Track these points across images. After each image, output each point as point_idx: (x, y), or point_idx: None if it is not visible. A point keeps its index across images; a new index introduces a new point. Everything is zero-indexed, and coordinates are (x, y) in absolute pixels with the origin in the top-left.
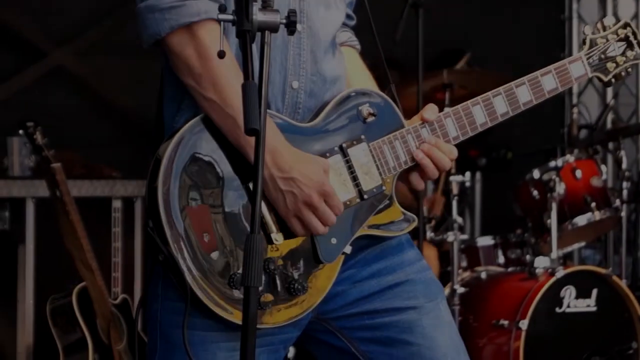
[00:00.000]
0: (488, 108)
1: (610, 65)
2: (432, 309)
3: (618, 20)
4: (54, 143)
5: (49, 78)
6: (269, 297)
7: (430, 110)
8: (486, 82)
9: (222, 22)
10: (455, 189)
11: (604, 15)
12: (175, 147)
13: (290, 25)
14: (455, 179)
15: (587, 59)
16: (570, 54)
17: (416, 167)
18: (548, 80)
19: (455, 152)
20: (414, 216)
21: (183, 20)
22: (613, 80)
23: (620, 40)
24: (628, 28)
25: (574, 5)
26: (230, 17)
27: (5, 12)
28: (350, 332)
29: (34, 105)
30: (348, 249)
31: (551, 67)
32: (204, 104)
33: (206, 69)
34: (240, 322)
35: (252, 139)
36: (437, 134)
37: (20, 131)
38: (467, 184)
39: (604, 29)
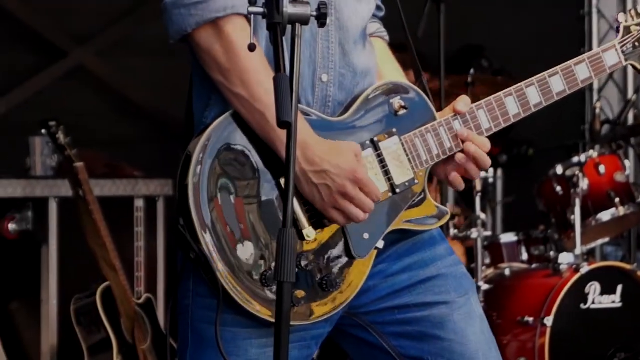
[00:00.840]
0: (521, 99)
1: None
2: (464, 303)
3: None
4: (75, 143)
5: (69, 77)
6: (301, 293)
7: (462, 102)
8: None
9: (252, 15)
10: (478, 186)
11: (624, 10)
12: (205, 144)
13: (321, 18)
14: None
15: (621, 47)
16: (590, 50)
17: (454, 167)
18: (582, 70)
19: (488, 145)
20: (447, 210)
21: (209, 16)
22: None
23: None
24: None
25: (594, 1)
26: (261, 9)
27: (26, 12)
28: (382, 326)
29: (55, 105)
30: (380, 244)
31: (585, 56)
32: (232, 99)
33: (234, 64)
34: (272, 319)
35: (283, 134)
36: (470, 126)
37: (43, 130)
38: (490, 180)
39: (638, 16)
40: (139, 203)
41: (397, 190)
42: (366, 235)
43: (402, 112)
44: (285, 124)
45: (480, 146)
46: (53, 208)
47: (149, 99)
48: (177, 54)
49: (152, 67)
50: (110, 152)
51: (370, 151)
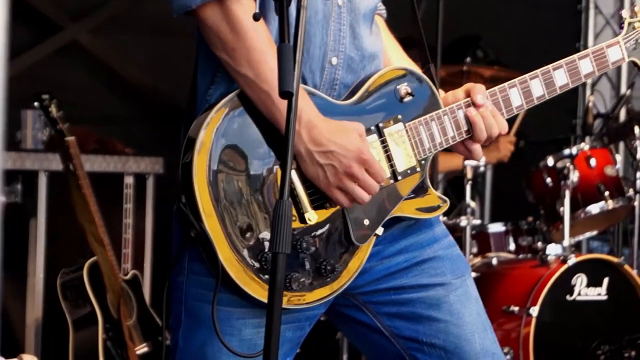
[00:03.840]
0: (525, 90)
1: None
2: (459, 285)
3: None
4: (67, 118)
5: (64, 53)
6: (299, 276)
7: (481, 94)
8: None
9: None
10: (469, 174)
11: (621, 7)
12: (210, 122)
13: None
14: (469, 163)
15: (625, 43)
16: (585, 45)
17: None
18: (585, 64)
19: (506, 128)
20: (447, 199)
21: None
22: None
23: None
24: None
25: None
26: None
27: None
28: (376, 306)
29: (49, 80)
30: (380, 231)
31: (589, 50)
32: (238, 79)
33: (240, 43)
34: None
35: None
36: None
37: (36, 103)
38: (481, 169)
39: None
40: (129, 180)
41: (399, 177)
42: (366, 222)
43: (407, 98)
44: (287, 94)
45: (499, 124)
46: (43, 181)
47: (143, 77)
48: (171, 33)
49: (147, 46)
50: (102, 128)
51: (374, 137)
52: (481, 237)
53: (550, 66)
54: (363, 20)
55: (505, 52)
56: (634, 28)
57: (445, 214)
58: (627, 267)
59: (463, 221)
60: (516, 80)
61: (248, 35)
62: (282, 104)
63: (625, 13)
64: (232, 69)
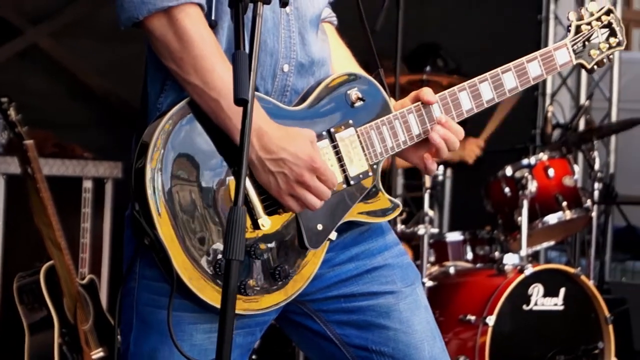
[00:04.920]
0: (474, 94)
1: (593, 52)
2: (409, 294)
3: (602, 6)
4: (26, 121)
5: (23, 56)
6: (253, 282)
7: (429, 93)
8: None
9: None
10: (428, 182)
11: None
12: (163, 130)
13: None
14: None
15: (572, 45)
16: None
17: (424, 149)
18: (534, 67)
19: (462, 132)
20: (399, 202)
21: (161, 4)
22: (595, 67)
23: (604, 27)
24: (611, 15)
25: (551, 6)
26: None
27: None
28: (327, 314)
29: (8, 83)
30: (333, 235)
31: (537, 53)
32: (187, 87)
33: (187, 52)
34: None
35: (238, 121)
36: (424, 120)
37: None
38: (440, 177)
39: (589, 15)
40: (87, 184)
41: (352, 182)
42: (320, 227)
43: (358, 103)
44: (242, 101)
45: (456, 134)
46: (0, 185)
47: (102, 82)
48: (131, 38)
49: (106, 51)
50: (61, 132)
51: (326, 142)
52: (439, 245)
53: (499, 69)
54: (310, 27)
55: (466, 61)
56: (580, 31)
57: (403, 222)
58: (583, 277)
59: (421, 229)
60: (465, 83)
61: (195, 45)
62: (232, 111)
63: (572, 15)
64: (181, 78)
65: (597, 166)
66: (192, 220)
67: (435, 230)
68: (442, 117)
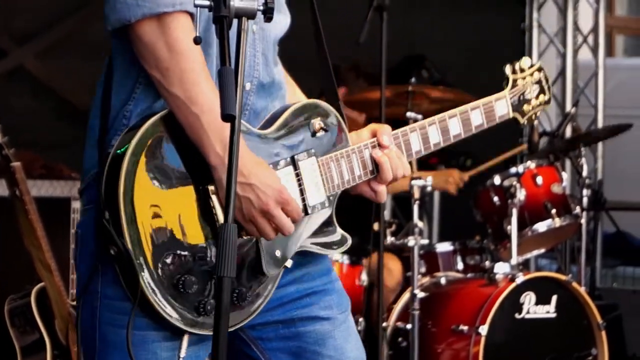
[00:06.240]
0: (424, 136)
1: (526, 107)
2: (344, 320)
3: (533, 63)
4: (13, 143)
5: (9, 77)
6: (212, 304)
7: (387, 136)
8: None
9: (198, 9)
10: (416, 194)
11: (564, 25)
12: (138, 141)
13: (268, 12)
14: (416, 182)
15: (510, 98)
16: None
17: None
18: (476, 116)
19: (409, 169)
20: (349, 236)
21: (157, 10)
22: (526, 122)
23: (536, 83)
24: (542, 72)
25: (535, 15)
26: (207, 2)
27: None
28: (264, 342)
29: None
30: (289, 263)
31: (480, 102)
32: (167, 98)
33: (174, 63)
34: (184, 326)
35: (214, 139)
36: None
37: None
38: (429, 189)
39: (522, 70)
40: (76, 205)
41: (309, 212)
42: (278, 253)
43: (320, 133)
44: (229, 117)
45: (402, 167)
46: None
47: (89, 102)
48: None
49: (92, 70)
50: (49, 153)
51: (290, 169)
52: (429, 256)
53: (446, 113)
54: (272, 48)
55: (451, 72)
56: (516, 85)
57: (393, 234)
58: (575, 284)
59: (411, 241)
60: (417, 124)
61: (184, 56)
62: (211, 128)
63: (507, 70)
64: (163, 88)
65: (585, 173)
66: (160, 233)
67: (425, 242)
68: (392, 146)
